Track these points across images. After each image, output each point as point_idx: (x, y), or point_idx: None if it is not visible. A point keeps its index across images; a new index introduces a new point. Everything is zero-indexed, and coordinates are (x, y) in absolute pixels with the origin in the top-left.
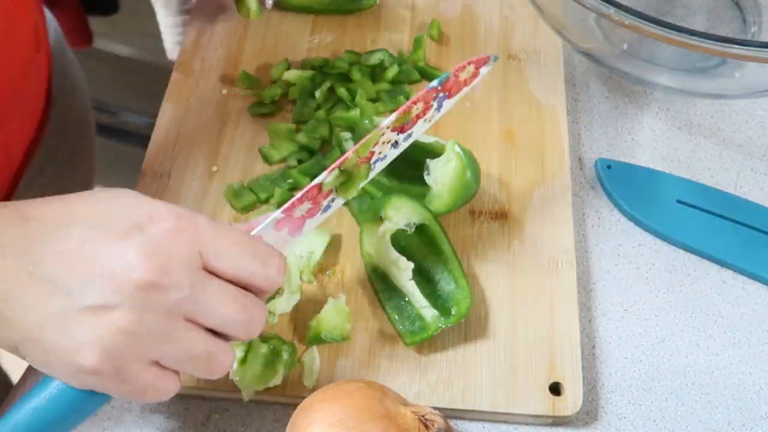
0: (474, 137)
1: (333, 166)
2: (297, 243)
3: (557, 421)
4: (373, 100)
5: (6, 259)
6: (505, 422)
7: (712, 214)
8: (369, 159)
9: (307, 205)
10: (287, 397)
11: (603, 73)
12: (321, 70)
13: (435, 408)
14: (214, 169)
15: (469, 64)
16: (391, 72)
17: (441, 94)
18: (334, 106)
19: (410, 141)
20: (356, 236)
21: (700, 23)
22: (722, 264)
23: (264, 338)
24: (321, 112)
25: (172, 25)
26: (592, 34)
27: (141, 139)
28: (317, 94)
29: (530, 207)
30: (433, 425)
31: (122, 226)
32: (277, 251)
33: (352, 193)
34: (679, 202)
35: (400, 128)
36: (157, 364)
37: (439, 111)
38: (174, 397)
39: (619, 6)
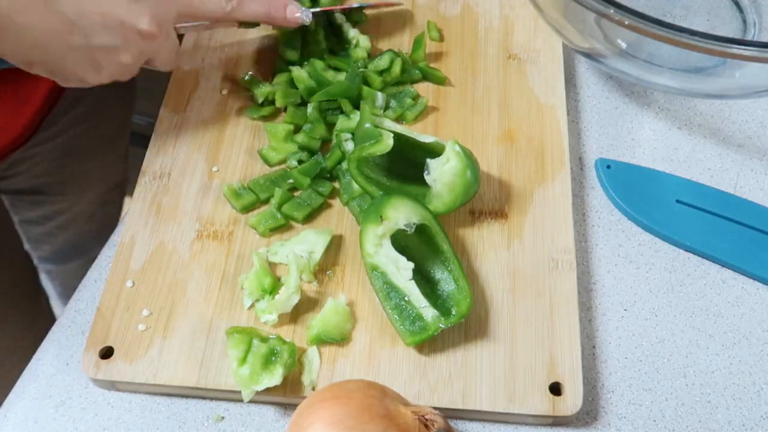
0: (474, 137)
1: None
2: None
3: (557, 421)
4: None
5: None
6: (505, 422)
7: (712, 214)
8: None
9: None
10: (287, 397)
11: (603, 73)
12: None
13: (435, 408)
14: (214, 169)
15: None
16: (397, 66)
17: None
18: (330, 110)
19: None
20: (356, 236)
21: (700, 23)
22: (722, 264)
23: (264, 338)
24: (314, 113)
25: None
26: (592, 34)
27: (141, 139)
28: (309, 108)
29: (530, 207)
30: (433, 425)
31: None
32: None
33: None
34: (678, 202)
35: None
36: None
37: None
38: (174, 397)
39: (619, 6)
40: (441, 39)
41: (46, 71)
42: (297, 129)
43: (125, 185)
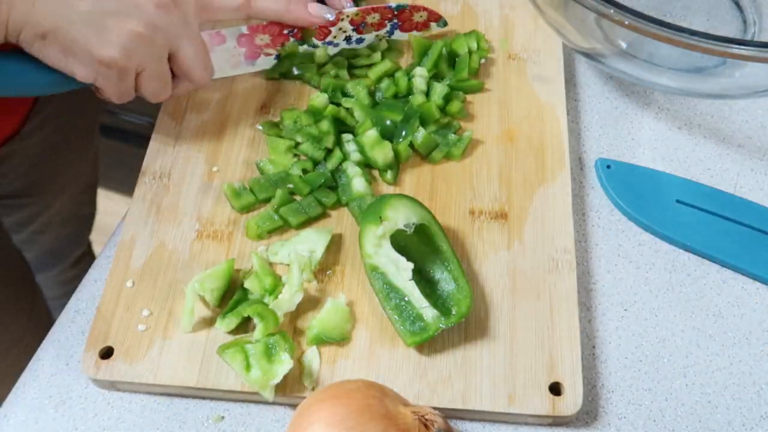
0: (474, 137)
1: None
2: (247, 68)
3: (557, 421)
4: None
5: None
6: (505, 422)
7: (712, 214)
8: (324, 36)
9: (266, 38)
10: (287, 397)
11: (603, 73)
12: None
13: (435, 408)
14: (215, 169)
15: (424, 10)
16: (456, 103)
17: (395, 21)
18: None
19: (360, 46)
20: (356, 236)
21: (700, 23)
22: (722, 264)
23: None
24: (325, 123)
25: None
26: (592, 34)
27: (141, 139)
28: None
29: (530, 207)
30: (433, 425)
31: None
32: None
33: (300, 47)
34: (678, 202)
35: (357, 26)
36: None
37: (390, 35)
38: (174, 397)
39: (619, 6)
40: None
41: (58, 45)
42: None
43: (96, 186)
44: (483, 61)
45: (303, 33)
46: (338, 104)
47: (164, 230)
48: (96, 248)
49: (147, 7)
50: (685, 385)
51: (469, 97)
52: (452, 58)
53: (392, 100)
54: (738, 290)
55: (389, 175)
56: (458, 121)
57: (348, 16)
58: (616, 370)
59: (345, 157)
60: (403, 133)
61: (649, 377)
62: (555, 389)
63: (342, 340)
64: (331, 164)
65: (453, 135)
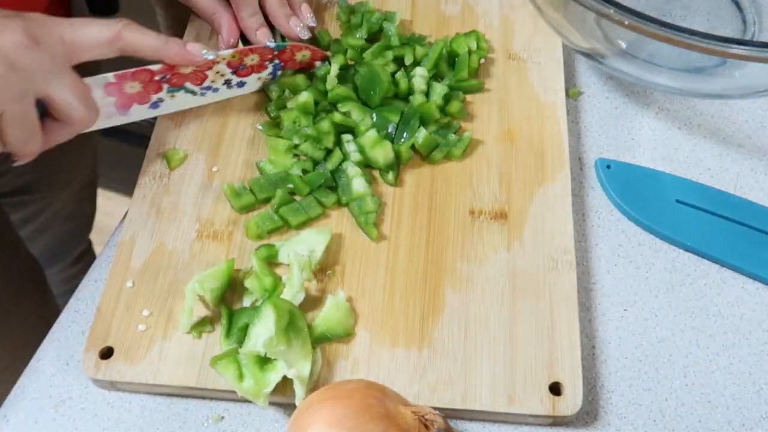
0: (474, 137)
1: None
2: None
3: (557, 421)
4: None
5: None
6: (505, 422)
7: (712, 214)
8: (201, 81)
9: (137, 86)
10: (287, 397)
11: (603, 73)
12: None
13: (435, 408)
14: (214, 169)
15: (306, 49)
16: (456, 104)
17: (276, 61)
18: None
19: (243, 91)
20: (356, 236)
21: (700, 23)
22: (722, 264)
23: None
24: (326, 123)
25: (172, 25)
26: (592, 34)
27: (141, 139)
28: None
29: (530, 207)
30: (433, 425)
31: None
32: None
33: (176, 93)
34: (678, 202)
35: (236, 68)
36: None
37: (274, 77)
38: (175, 397)
39: (619, 6)
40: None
41: None
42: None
43: (96, 183)
44: (482, 60)
45: (177, 79)
46: (335, 106)
47: (164, 230)
48: (96, 248)
49: (4, 47)
50: (685, 385)
51: (469, 97)
52: (452, 58)
53: (392, 100)
54: (738, 290)
55: (390, 176)
56: (458, 121)
57: (224, 59)
58: (616, 370)
59: (345, 157)
60: (405, 134)
61: (649, 377)
62: (555, 389)
63: (347, 335)
64: (331, 164)
65: (453, 135)
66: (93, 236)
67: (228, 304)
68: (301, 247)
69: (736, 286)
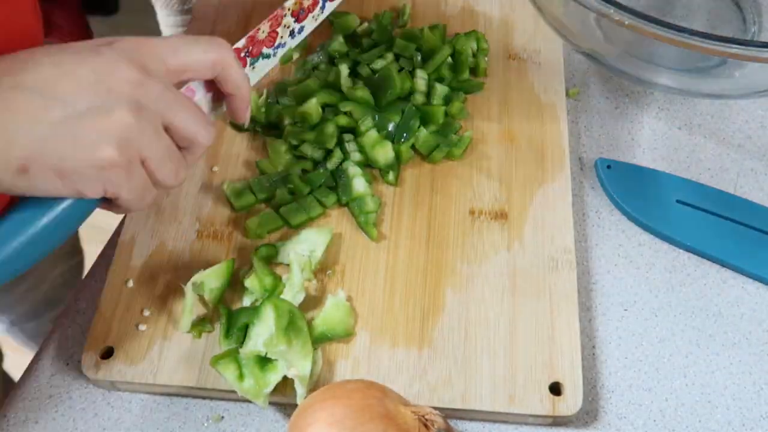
0: (474, 137)
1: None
2: None
3: (557, 421)
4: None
5: None
6: (505, 422)
7: (712, 214)
8: (273, 41)
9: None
10: (287, 397)
11: (603, 73)
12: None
13: (435, 408)
14: (215, 169)
15: None
16: (457, 104)
17: None
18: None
19: (301, 38)
20: (356, 235)
21: (700, 23)
22: (722, 264)
23: None
24: (330, 126)
25: (172, 25)
26: (592, 34)
27: None
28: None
29: (530, 207)
30: (433, 425)
31: (87, 48)
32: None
33: (255, 64)
34: (679, 202)
35: (296, 15)
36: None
37: (323, 11)
38: (175, 397)
39: (619, 6)
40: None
41: (47, 170)
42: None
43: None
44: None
45: (255, 48)
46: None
47: (164, 230)
48: (96, 248)
49: (122, 90)
50: (685, 385)
51: (469, 97)
52: (455, 60)
53: (393, 100)
54: (738, 290)
55: (391, 176)
56: (458, 121)
57: (289, 9)
58: (616, 370)
59: (345, 157)
60: (405, 134)
61: (649, 377)
62: (555, 389)
63: (347, 335)
64: (331, 164)
65: (454, 135)
66: (93, 235)
67: (228, 303)
68: (302, 246)
69: (736, 286)
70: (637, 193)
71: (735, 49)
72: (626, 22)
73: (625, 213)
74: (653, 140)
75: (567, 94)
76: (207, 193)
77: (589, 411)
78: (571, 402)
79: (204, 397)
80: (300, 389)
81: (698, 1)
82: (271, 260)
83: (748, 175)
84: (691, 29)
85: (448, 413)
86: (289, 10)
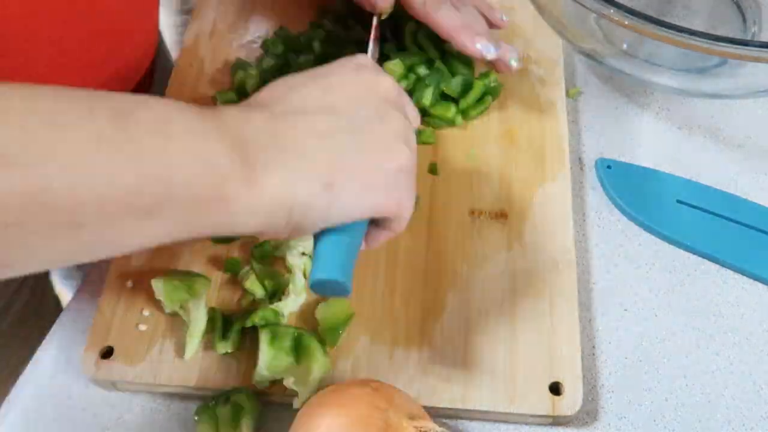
0: (474, 137)
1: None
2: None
3: (557, 420)
4: None
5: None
6: (505, 422)
7: (712, 214)
8: None
9: None
10: (287, 397)
11: (603, 73)
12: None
13: (435, 408)
14: None
15: None
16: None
17: None
18: None
19: None
20: None
21: (700, 23)
22: (722, 264)
23: (226, 398)
24: None
25: (172, 25)
26: (592, 34)
27: None
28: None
29: (530, 207)
30: None
31: (340, 67)
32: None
33: None
34: (679, 202)
35: None
36: None
37: None
38: (175, 397)
39: (619, 6)
40: None
41: (348, 184)
42: None
43: None
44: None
45: None
46: None
47: None
48: None
49: (389, 97)
50: (685, 385)
51: None
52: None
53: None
54: (738, 290)
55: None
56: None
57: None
58: (616, 370)
59: None
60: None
61: (649, 377)
62: (555, 389)
63: (348, 319)
64: None
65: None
66: None
67: (228, 303)
68: (304, 244)
69: (736, 286)
70: (637, 193)
71: (735, 49)
72: (626, 22)
73: (625, 213)
74: (653, 140)
75: (567, 94)
76: None
77: (589, 411)
78: (570, 402)
79: (204, 397)
80: (302, 395)
81: (698, 1)
82: (270, 257)
83: (748, 175)
84: (691, 29)
85: (448, 413)
86: None
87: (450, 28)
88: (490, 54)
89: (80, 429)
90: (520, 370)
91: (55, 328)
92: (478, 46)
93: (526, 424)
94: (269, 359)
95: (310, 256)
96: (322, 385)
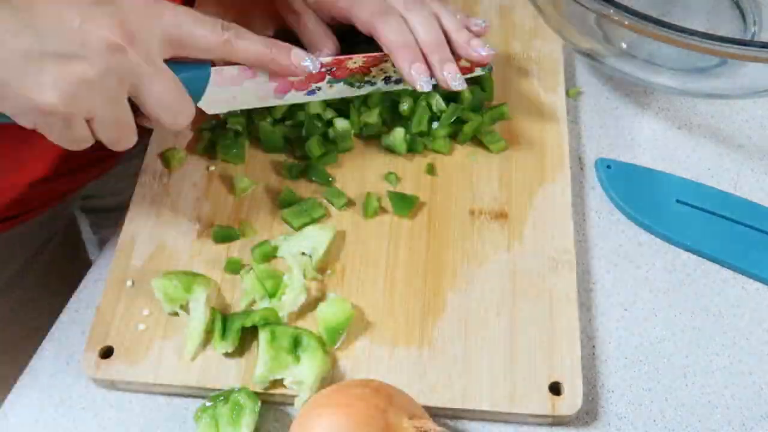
0: (474, 137)
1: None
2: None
3: (557, 420)
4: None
5: None
6: (505, 422)
7: (712, 214)
8: (364, 75)
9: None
10: (288, 397)
11: (603, 73)
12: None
13: (435, 408)
14: (211, 169)
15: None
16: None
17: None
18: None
19: (399, 87)
20: (358, 234)
21: (700, 23)
22: (722, 264)
23: (226, 397)
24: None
25: None
26: (592, 34)
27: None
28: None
29: (530, 207)
30: None
31: None
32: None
33: (335, 84)
34: (679, 202)
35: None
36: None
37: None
38: (175, 397)
39: (619, 6)
40: None
41: None
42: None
43: None
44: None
45: (341, 72)
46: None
47: (164, 230)
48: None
49: (96, 47)
50: (685, 385)
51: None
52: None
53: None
54: (738, 290)
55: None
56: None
57: (356, 64)
58: (616, 370)
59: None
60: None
61: (649, 377)
62: (555, 389)
63: (348, 320)
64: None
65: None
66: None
67: (228, 303)
68: (303, 243)
69: (736, 286)
70: (637, 193)
71: (735, 49)
72: (626, 22)
73: (625, 213)
74: (653, 140)
75: (567, 94)
76: (207, 193)
77: (589, 411)
78: (570, 402)
79: (204, 397)
80: (303, 395)
81: (698, 1)
82: (270, 257)
83: (748, 175)
84: (691, 29)
85: (448, 413)
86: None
87: (390, 44)
88: (424, 86)
89: (80, 429)
90: (520, 370)
91: (55, 328)
92: (413, 72)
93: (526, 424)
94: (269, 359)
95: (310, 256)
96: (322, 385)
